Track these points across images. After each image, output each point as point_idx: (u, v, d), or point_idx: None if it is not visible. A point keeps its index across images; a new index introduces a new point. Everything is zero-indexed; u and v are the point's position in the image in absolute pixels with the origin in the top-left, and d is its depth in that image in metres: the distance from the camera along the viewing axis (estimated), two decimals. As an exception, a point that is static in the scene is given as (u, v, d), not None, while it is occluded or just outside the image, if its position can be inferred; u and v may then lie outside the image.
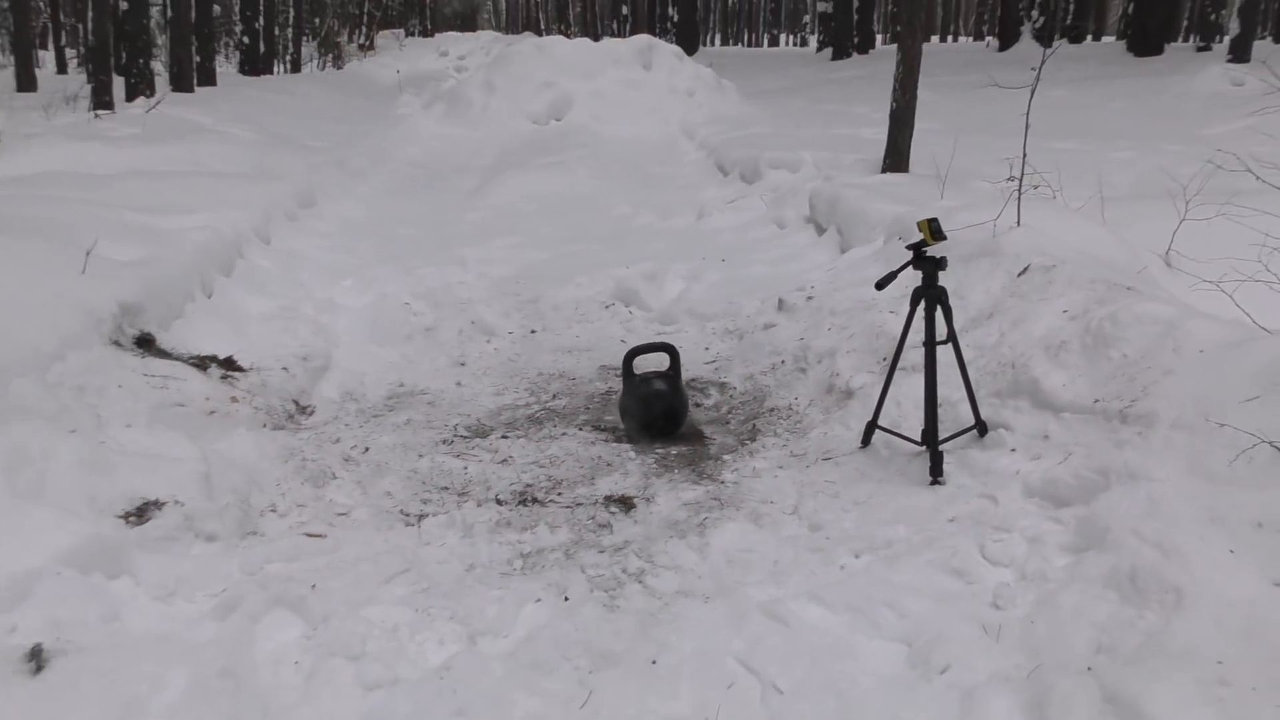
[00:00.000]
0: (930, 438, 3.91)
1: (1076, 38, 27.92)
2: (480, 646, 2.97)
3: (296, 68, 24.88)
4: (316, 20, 26.37)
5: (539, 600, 3.19)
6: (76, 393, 3.94)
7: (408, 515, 3.82)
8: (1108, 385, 3.84)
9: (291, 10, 25.82)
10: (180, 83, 15.19)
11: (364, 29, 32.55)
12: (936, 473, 3.84)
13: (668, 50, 16.34)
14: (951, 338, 3.99)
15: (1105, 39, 33.38)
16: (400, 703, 2.70)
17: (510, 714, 2.68)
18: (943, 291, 3.96)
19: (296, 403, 4.86)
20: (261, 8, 21.28)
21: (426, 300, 6.38)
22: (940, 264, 3.93)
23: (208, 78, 16.96)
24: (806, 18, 56.07)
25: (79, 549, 3.15)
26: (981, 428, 4.03)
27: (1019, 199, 5.48)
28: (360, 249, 7.71)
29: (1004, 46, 24.00)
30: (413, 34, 45.67)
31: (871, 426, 4.20)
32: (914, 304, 4.03)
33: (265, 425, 4.51)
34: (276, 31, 23.92)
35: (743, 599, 3.14)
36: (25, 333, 3.95)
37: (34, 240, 4.96)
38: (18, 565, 2.99)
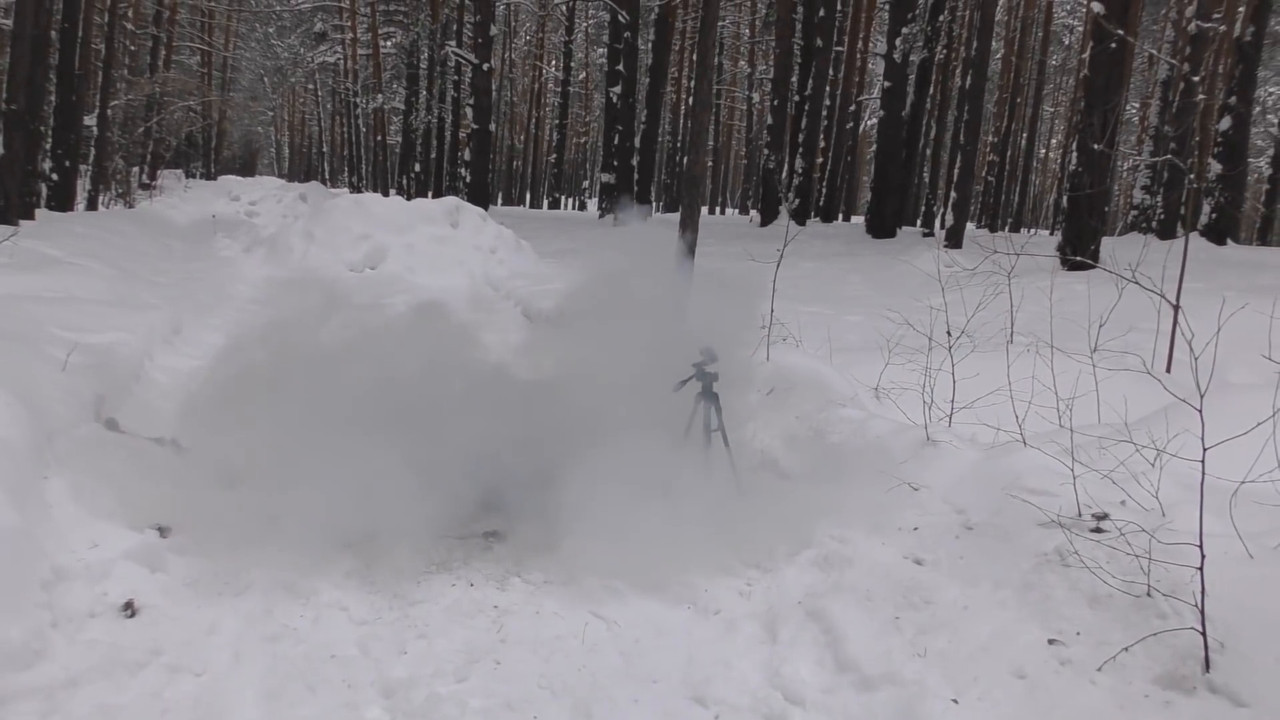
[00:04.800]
0: (707, 495, 5.75)
1: (827, 217, 31.76)
2: (421, 608, 4.55)
3: (94, 205, 25.43)
4: (107, 162, 27.06)
5: (454, 585, 4.79)
6: (93, 451, 5.31)
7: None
8: (821, 460, 5.81)
9: (93, 150, 26.48)
10: (6, 216, 15.94)
11: (147, 168, 33.28)
12: (711, 517, 5.68)
13: (473, 211, 18.32)
14: (720, 427, 5.88)
15: (855, 219, 37.61)
16: (383, 630, 4.26)
17: (453, 637, 4.27)
18: (716, 396, 5.87)
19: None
20: (70, 148, 22.08)
21: (305, 409, 7.87)
22: (715, 376, 5.85)
23: (27, 213, 17.68)
24: (586, 183, 59.73)
25: (135, 549, 4.56)
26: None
27: (768, 343, 7.56)
28: (232, 369, 9.07)
29: (765, 222, 26.95)
30: (194, 175, 46.16)
31: (667, 490, 6.01)
32: (697, 404, 5.92)
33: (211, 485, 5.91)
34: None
35: (588, 584, 4.85)
36: (54, 408, 5.30)
37: (18, 344, 6.25)
38: (101, 556, 4.40)
